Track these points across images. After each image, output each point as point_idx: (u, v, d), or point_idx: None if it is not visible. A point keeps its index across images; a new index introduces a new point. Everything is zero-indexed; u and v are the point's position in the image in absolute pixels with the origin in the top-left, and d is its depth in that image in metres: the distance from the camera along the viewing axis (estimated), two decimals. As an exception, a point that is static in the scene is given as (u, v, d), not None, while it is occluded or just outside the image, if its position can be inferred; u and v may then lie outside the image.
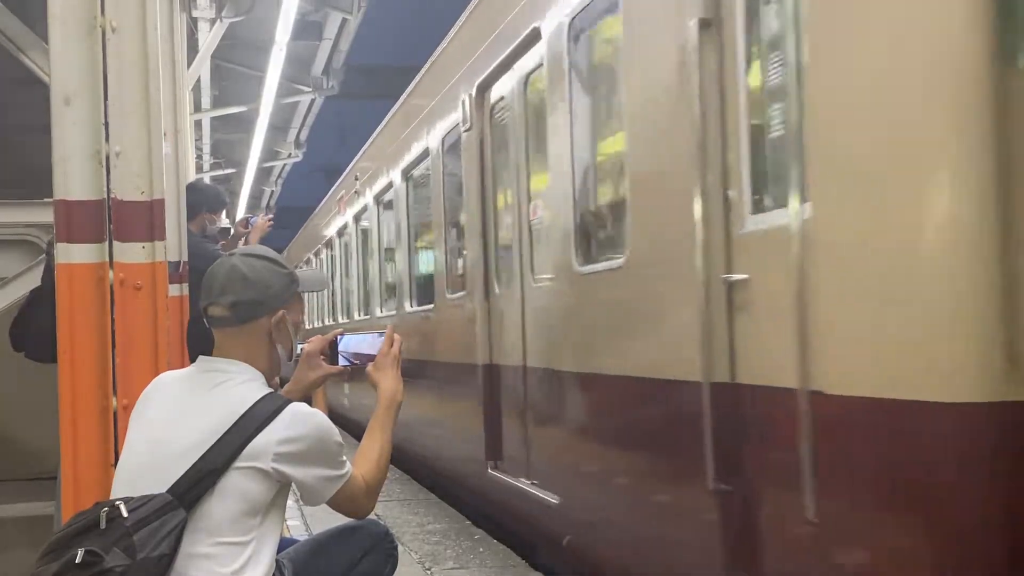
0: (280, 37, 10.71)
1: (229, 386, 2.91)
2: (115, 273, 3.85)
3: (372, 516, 3.30)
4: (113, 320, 3.84)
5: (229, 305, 2.96)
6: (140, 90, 3.90)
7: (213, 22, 10.10)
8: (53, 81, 3.89)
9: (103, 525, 2.69)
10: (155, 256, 3.90)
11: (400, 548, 6.39)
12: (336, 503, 3.00)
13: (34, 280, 4.90)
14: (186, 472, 2.76)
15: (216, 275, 3.01)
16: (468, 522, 7.30)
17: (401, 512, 7.83)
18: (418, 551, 6.35)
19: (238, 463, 2.77)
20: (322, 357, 3.42)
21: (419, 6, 40.83)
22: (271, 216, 7.26)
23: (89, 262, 3.84)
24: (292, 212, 29.82)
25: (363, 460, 3.10)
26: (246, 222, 7.12)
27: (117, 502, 2.74)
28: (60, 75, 3.86)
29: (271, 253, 3.11)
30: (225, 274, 2.99)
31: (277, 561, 2.99)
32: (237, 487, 2.77)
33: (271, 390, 2.97)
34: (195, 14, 9.85)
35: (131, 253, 3.87)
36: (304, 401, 3.05)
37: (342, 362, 3.44)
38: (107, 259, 3.85)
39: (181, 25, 7.40)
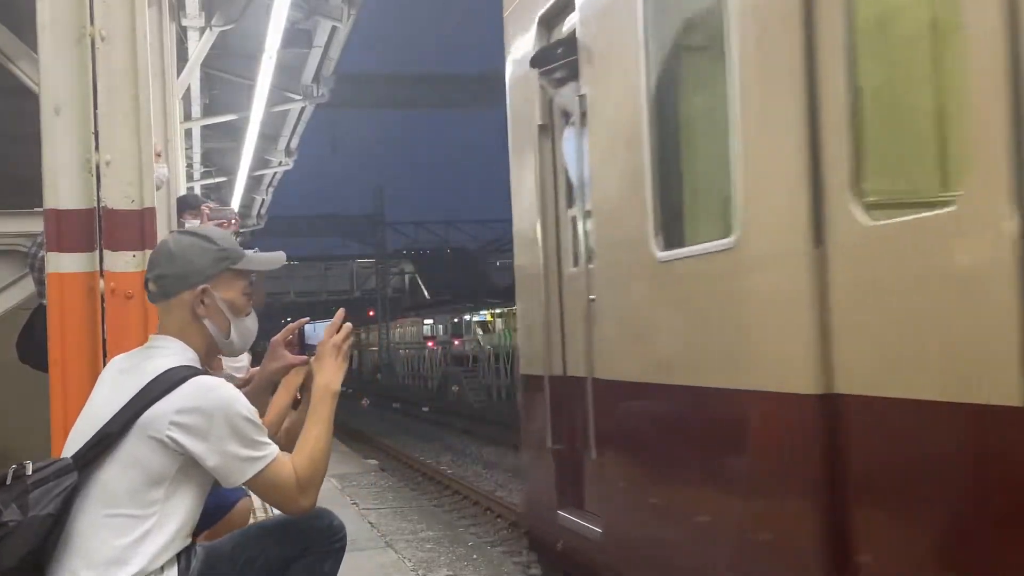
0: (270, 45, 10.71)
1: (153, 359, 2.92)
2: (106, 282, 3.85)
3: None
4: (104, 329, 3.83)
5: (155, 279, 3.02)
6: (130, 99, 3.90)
7: (203, 31, 10.10)
8: (43, 91, 3.89)
9: (9, 482, 2.79)
10: (146, 265, 3.89)
11: (394, 555, 6.37)
12: (257, 489, 2.93)
13: (24, 290, 4.88)
14: (90, 438, 2.82)
15: (152, 252, 3.14)
16: (461, 528, 7.29)
17: (394, 519, 7.82)
18: (412, 558, 6.35)
19: (134, 429, 2.78)
20: (288, 347, 3.35)
21: (408, 15, 40.88)
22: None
23: (79, 271, 3.84)
24: (283, 220, 29.79)
25: (296, 453, 2.95)
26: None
27: (27, 462, 2.82)
28: (50, 85, 3.86)
29: (209, 231, 3.16)
30: (156, 250, 3.12)
31: (190, 546, 2.91)
32: (132, 454, 2.79)
33: (190, 364, 2.91)
34: (185, 23, 9.84)
35: (122, 262, 3.87)
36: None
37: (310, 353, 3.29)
38: (98, 268, 3.85)
39: (171, 34, 7.41)
